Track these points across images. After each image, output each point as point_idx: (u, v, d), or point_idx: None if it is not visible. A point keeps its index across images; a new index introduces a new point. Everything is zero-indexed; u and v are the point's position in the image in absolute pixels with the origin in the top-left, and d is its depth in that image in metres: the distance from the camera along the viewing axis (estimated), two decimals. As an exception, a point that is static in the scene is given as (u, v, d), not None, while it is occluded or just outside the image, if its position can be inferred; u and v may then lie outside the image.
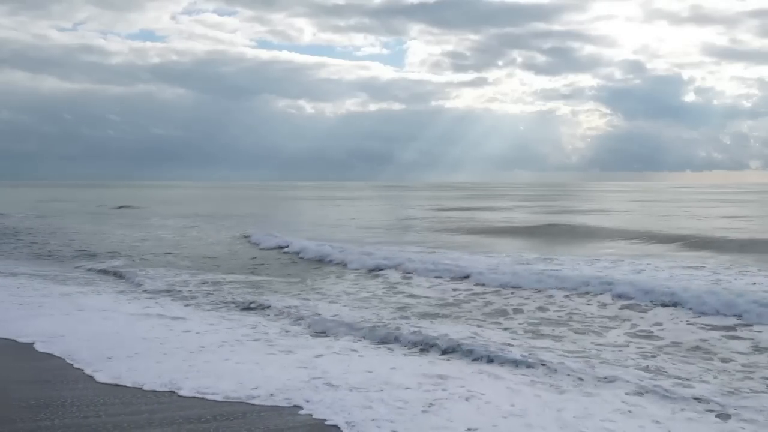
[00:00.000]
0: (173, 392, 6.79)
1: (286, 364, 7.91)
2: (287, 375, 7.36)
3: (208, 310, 11.86)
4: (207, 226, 33.86)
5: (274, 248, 22.29)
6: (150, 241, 26.30)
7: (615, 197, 77.56)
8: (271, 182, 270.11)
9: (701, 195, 78.10)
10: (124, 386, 6.99)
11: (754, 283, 13.33)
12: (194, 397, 6.62)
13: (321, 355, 8.34)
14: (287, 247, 21.84)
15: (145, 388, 6.92)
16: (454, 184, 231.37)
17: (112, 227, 33.91)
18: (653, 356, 8.53)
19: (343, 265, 17.85)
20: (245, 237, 26.71)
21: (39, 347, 8.71)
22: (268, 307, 11.78)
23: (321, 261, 18.97)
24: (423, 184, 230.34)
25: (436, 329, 9.83)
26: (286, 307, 11.67)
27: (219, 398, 6.59)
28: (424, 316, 11.26)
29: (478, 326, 10.39)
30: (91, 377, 7.35)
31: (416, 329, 9.72)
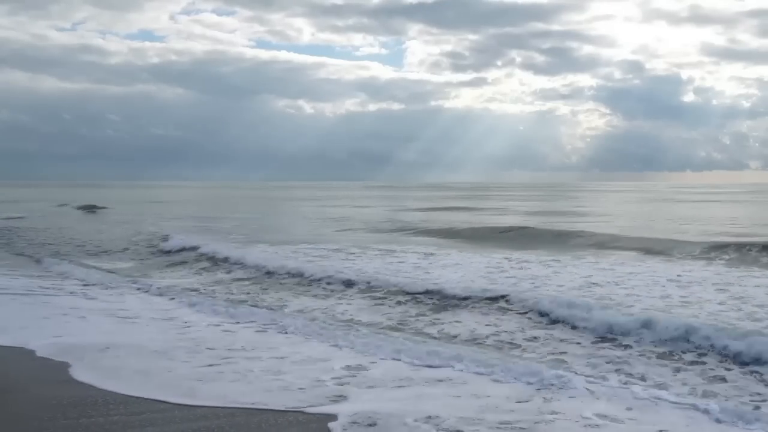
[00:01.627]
0: (171, 397, 6.68)
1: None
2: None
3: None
4: (138, 225, 33.89)
5: (175, 250, 22.47)
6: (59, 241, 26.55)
7: (613, 198, 76.11)
8: (270, 182, 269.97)
9: (704, 195, 76.82)
10: (123, 391, 6.83)
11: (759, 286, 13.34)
12: (201, 405, 6.46)
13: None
14: (182, 250, 22.15)
15: (140, 393, 6.74)
16: (452, 183, 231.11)
17: (47, 224, 34.48)
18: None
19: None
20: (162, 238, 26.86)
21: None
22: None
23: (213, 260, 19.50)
24: (421, 183, 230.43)
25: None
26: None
27: (226, 402, 6.47)
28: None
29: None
30: (83, 380, 7.26)
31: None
